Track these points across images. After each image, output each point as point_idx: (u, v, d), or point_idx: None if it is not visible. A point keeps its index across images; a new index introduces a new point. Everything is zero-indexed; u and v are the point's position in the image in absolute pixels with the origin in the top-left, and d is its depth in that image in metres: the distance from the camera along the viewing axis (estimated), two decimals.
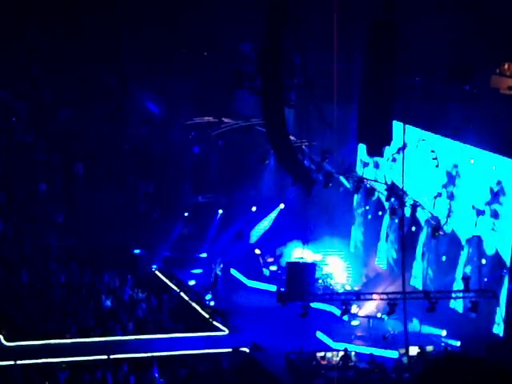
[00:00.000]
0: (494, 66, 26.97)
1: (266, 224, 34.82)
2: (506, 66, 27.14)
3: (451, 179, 29.19)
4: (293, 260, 29.34)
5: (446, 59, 26.66)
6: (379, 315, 28.05)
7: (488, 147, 26.84)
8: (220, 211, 34.82)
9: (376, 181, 30.48)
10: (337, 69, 23.12)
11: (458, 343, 27.30)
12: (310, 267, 25.54)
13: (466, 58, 25.86)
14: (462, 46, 25.66)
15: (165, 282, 30.82)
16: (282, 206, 34.58)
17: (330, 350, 26.25)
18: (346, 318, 27.50)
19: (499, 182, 27.00)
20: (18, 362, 24.35)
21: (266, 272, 32.90)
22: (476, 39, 25.38)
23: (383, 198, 30.07)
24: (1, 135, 35.29)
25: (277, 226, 34.75)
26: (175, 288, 30.13)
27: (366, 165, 32.79)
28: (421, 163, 30.20)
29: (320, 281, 30.52)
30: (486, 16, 25.10)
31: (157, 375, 24.44)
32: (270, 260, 33.29)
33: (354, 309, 27.79)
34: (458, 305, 28.04)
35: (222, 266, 32.05)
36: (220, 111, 34.77)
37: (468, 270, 28.18)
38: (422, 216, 29.48)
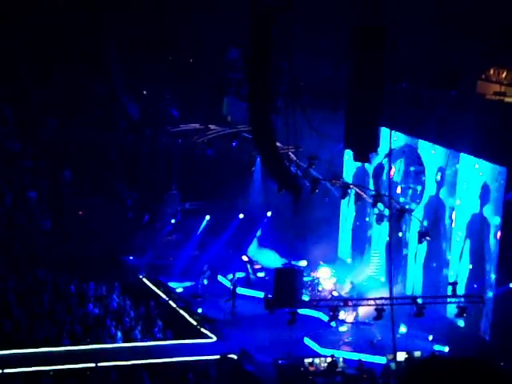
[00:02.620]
0: (479, 72, 27.10)
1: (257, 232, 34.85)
2: (492, 72, 27.26)
3: (437, 185, 29.30)
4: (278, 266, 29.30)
5: (432, 65, 26.76)
6: (367, 321, 28.09)
7: (474, 153, 26.94)
8: (207, 217, 34.81)
9: (363, 186, 30.54)
10: (324, 75, 23.25)
11: (446, 348, 27.37)
12: (298, 273, 25.56)
13: (452, 64, 25.96)
14: (448, 52, 25.76)
15: (152, 290, 30.76)
16: (269, 213, 34.59)
17: (318, 356, 26.27)
18: (333, 324, 27.54)
19: (485, 187, 27.10)
20: (5, 371, 24.22)
21: (253, 279, 32.91)
22: (462, 45, 25.48)
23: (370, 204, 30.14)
24: None
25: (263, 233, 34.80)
26: (163, 295, 30.08)
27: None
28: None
29: (308, 287, 30.53)
30: (472, 21, 25.21)
31: (148, 382, 24.37)
32: (258, 267, 33.29)
33: (341, 315, 27.82)
34: (445, 310, 28.11)
35: (209, 273, 32.03)
36: (207, 118, 34.76)
37: (455, 275, 28.28)
38: (409, 222, 29.56)
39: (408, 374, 3.47)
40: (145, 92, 36.29)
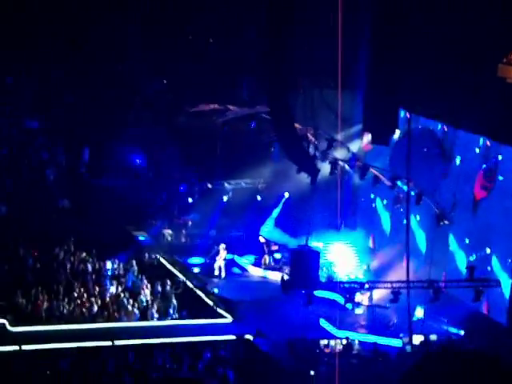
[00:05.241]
0: (500, 55, 26.81)
1: (273, 214, 34.73)
2: None
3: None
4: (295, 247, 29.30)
5: (454, 47, 26.52)
6: (383, 304, 28.05)
7: (493, 136, 26.78)
8: (225, 197, 34.79)
9: (382, 169, 30.35)
10: (342, 56, 23.11)
11: (462, 332, 27.33)
12: (314, 255, 25.56)
13: (474, 47, 25.71)
14: (470, 34, 25.52)
15: (169, 269, 30.83)
16: (286, 195, 34.46)
17: (334, 338, 26.28)
18: (349, 306, 27.53)
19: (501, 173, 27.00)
20: (23, 348, 24.41)
21: (270, 260, 32.95)
22: (484, 28, 25.23)
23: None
24: (7, 121, 35.39)
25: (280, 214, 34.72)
26: (179, 275, 30.16)
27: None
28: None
29: (324, 269, 30.51)
30: (494, 5, 24.96)
31: (164, 361, 24.51)
32: (275, 248, 33.28)
33: (357, 297, 27.79)
34: (461, 294, 28.03)
35: (216, 250, 32.03)
36: (226, 98, 34.72)
37: (472, 258, 28.20)
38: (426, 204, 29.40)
39: (422, 362, 3.43)
40: (164, 81, 36.28)
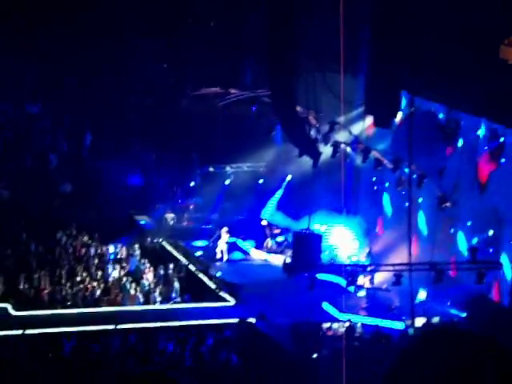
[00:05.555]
0: (502, 37, 26.70)
1: (276, 197, 34.67)
2: None
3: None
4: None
5: (455, 29, 26.39)
6: (385, 286, 28.07)
7: (494, 119, 26.69)
8: (227, 181, 34.77)
9: (384, 152, 30.29)
10: (344, 39, 23.04)
11: (464, 314, 27.33)
12: (316, 238, 25.54)
13: (476, 28, 25.58)
14: (472, 16, 25.39)
15: (171, 253, 30.87)
16: (288, 178, 34.42)
17: (336, 321, 26.31)
18: (352, 289, 27.53)
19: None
20: (26, 332, 24.46)
21: (272, 243, 32.92)
22: (486, 9, 25.09)
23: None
24: (9, 106, 35.36)
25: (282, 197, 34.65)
26: (182, 259, 30.20)
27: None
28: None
29: (326, 252, 30.51)
30: None
31: (166, 345, 24.55)
32: (277, 231, 33.28)
33: (360, 280, 27.80)
34: (466, 276, 28.01)
35: (218, 235, 32.04)
36: (227, 82, 34.62)
37: (475, 241, 28.17)
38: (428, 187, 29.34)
39: (417, 343, 3.41)
40: (165, 65, 36.17)
